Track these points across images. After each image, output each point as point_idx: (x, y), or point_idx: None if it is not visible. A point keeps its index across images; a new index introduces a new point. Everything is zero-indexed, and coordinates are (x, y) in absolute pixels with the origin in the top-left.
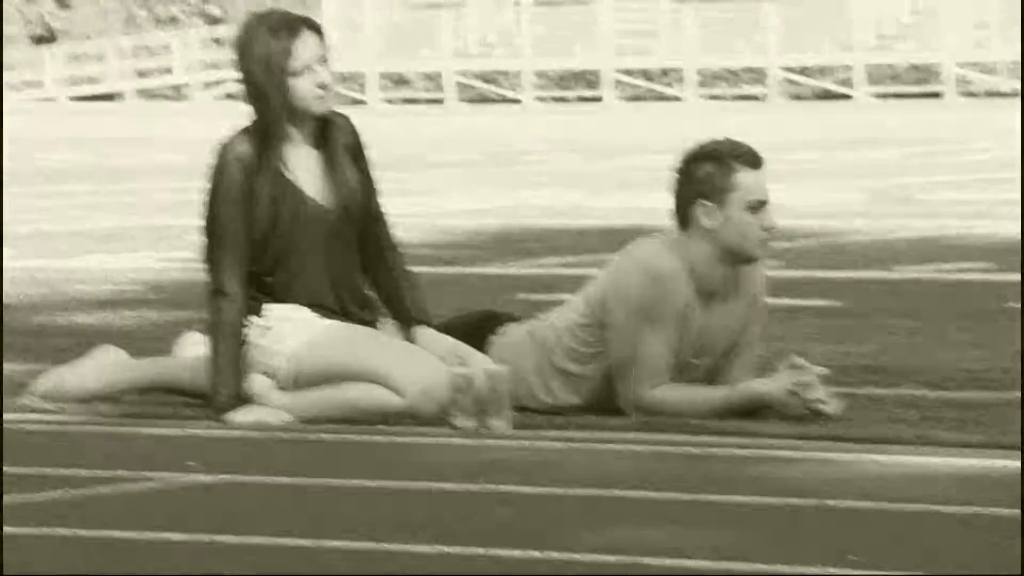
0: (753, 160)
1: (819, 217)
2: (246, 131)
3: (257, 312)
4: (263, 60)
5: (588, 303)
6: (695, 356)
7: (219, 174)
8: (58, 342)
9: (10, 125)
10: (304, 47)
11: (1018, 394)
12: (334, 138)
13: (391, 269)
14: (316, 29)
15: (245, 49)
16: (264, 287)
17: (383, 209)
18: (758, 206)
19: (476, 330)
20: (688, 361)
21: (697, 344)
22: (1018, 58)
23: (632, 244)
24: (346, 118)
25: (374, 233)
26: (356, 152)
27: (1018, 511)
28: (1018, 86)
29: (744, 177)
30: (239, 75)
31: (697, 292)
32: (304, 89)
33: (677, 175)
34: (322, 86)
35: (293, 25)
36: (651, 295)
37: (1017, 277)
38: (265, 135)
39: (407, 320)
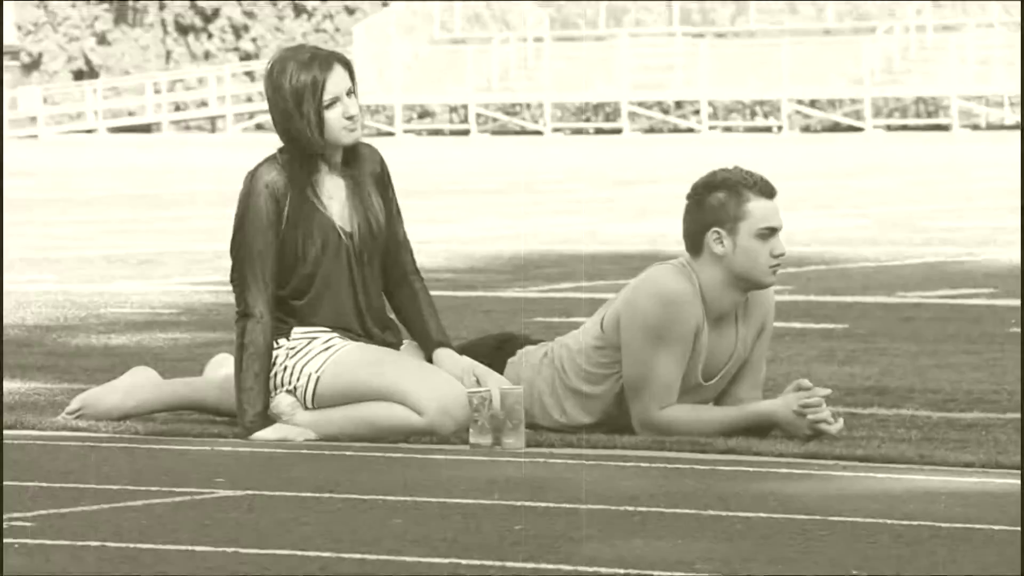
0: (765, 189)
1: (827, 244)
2: (274, 159)
3: (285, 334)
4: (296, 93)
5: (603, 326)
6: (705, 378)
7: (248, 200)
8: (94, 362)
9: (52, 155)
10: (334, 81)
11: (1018, 415)
12: (361, 167)
13: (413, 293)
14: (345, 63)
15: (278, 82)
16: (292, 310)
17: (407, 235)
18: (768, 234)
19: (494, 352)
20: (698, 383)
21: (706, 366)
22: (1020, 91)
23: (646, 270)
24: (373, 148)
25: (398, 259)
26: (382, 181)
27: (1016, 528)
28: (1019, 118)
29: (756, 206)
30: (271, 107)
31: (707, 316)
32: (334, 120)
33: (690, 203)
34: (350, 117)
35: (324, 60)
36: (663, 318)
37: (1018, 303)
38: (296, 164)
39: (427, 342)
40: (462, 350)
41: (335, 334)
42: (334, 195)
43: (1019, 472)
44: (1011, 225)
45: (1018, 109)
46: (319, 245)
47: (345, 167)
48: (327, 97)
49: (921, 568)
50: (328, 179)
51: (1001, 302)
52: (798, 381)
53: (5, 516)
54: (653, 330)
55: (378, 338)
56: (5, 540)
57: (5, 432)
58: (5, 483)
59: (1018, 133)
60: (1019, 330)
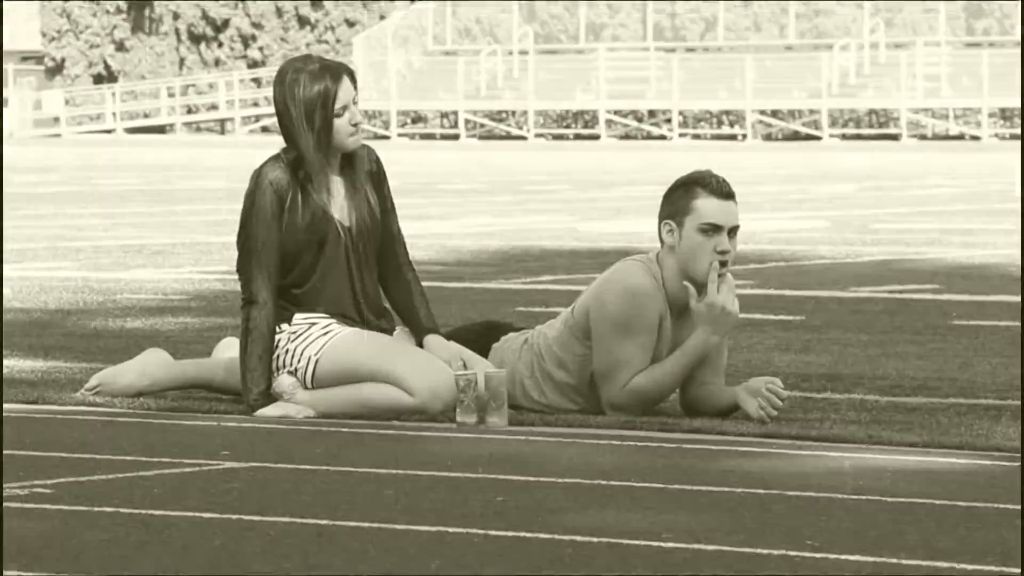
0: (718, 190)
1: (786, 243)
2: (279, 158)
3: (287, 319)
4: (309, 102)
5: (575, 316)
6: None
7: (253, 196)
8: (110, 344)
9: (73, 154)
10: (343, 91)
11: (958, 400)
12: (358, 166)
13: (406, 283)
14: (351, 75)
15: (290, 91)
16: (293, 298)
17: (400, 229)
18: (710, 229)
19: (479, 338)
20: None
21: (672, 352)
22: (965, 105)
23: (614, 265)
24: (369, 148)
25: (392, 251)
26: (378, 179)
27: (954, 502)
28: (963, 129)
29: (703, 203)
30: (280, 112)
31: (670, 307)
32: (342, 127)
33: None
34: (355, 124)
35: (335, 72)
36: (628, 310)
37: (960, 298)
38: (299, 163)
39: (418, 328)
40: (450, 336)
41: (333, 320)
42: (333, 192)
43: (952, 452)
44: (955, 227)
45: (961, 121)
46: (319, 238)
47: (344, 166)
48: (338, 106)
49: (868, 539)
50: (329, 177)
51: (944, 297)
52: (774, 380)
53: (28, 483)
54: (619, 322)
55: (373, 324)
56: (27, 505)
57: (28, 406)
58: (28, 453)
59: (961, 142)
60: (961, 323)
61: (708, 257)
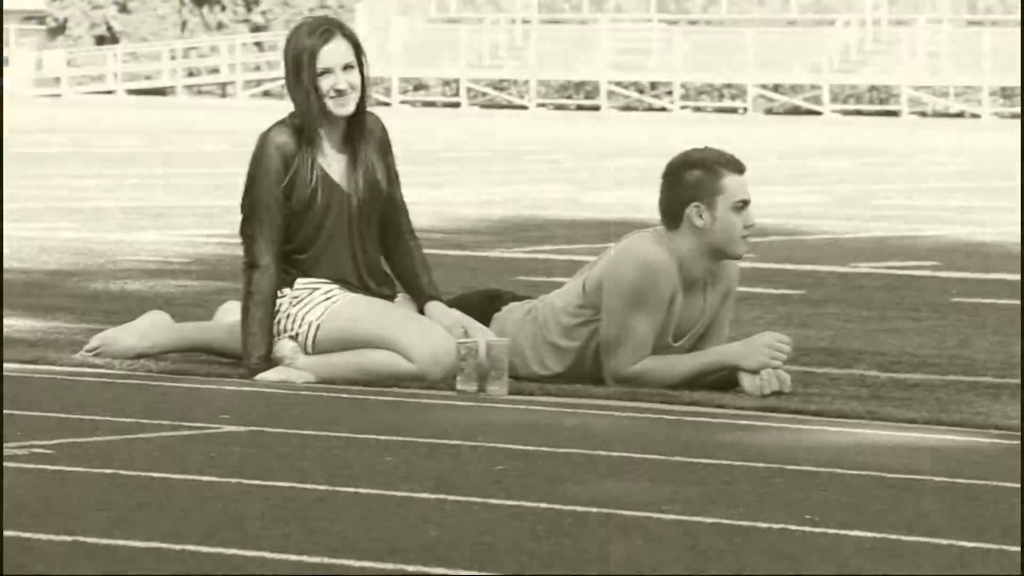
0: (737, 166)
1: (787, 217)
2: (285, 122)
3: (288, 284)
4: (296, 59)
5: (585, 287)
6: (674, 339)
7: (259, 160)
8: (110, 306)
9: (73, 115)
10: (330, 52)
11: (957, 377)
12: (364, 134)
13: (408, 250)
14: (349, 37)
15: (287, 46)
16: (296, 263)
17: (403, 197)
18: (742, 207)
19: (481, 306)
20: (667, 343)
21: (676, 328)
22: (966, 83)
23: (629, 237)
24: (376, 116)
25: (395, 219)
26: (383, 147)
27: (954, 480)
28: (964, 107)
29: (730, 181)
30: (285, 67)
31: (682, 283)
32: (324, 89)
33: (667, 180)
34: (337, 90)
35: (327, 29)
36: (643, 284)
37: (959, 275)
38: (304, 128)
39: (420, 295)
40: (451, 304)
41: (335, 286)
42: (339, 158)
43: (958, 429)
44: (954, 205)
45: (962, 99)
46: (323, 204)
47: (350, 133)
48: (319, 67)
49: (867, 514)
50: (334, 143)
51: (943, 274)
52: (776, 336)
53: (27, 444)
54: (633, 295)
55: (375, 291)
56: (27, 466)
57: (28, 367)
58: (27, 413)
59: (960, 120)
60: (960, 300)
61: (739, 232)
